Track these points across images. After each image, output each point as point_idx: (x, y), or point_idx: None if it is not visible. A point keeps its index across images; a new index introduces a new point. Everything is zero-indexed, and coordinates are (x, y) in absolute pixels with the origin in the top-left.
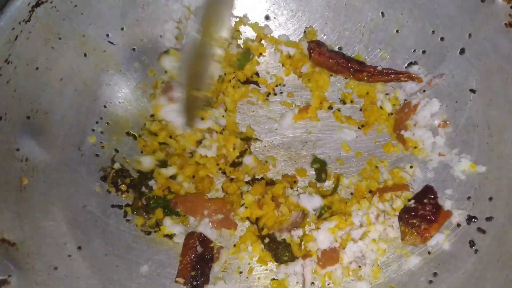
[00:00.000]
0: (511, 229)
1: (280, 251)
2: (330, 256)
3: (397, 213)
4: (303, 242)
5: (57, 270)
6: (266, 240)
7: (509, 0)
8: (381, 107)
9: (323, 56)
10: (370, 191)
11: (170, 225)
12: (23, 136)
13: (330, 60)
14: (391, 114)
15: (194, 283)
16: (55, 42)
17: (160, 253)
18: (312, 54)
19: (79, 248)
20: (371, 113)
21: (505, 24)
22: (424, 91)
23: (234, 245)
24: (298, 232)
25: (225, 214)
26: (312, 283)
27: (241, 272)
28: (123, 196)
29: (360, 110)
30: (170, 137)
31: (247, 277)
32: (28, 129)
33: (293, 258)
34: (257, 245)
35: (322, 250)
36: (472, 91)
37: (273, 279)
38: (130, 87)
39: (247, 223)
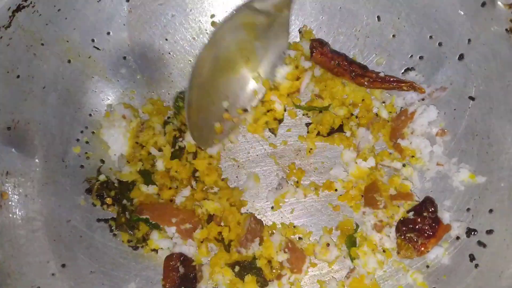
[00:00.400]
0: None
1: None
2: (295, 259)
3: (395, 223)
4: (271, 264)
5: None
6: (237, 269)
7: (510, 5)
8: (376, 114)
9: (324, 56)
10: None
11: (157, 239)
12: (4, 148)
13: (332, 61)
14: (388, 121)
15: None
16: (38, 48)
17: (148, 269)
18: (313, 54)
19: (63, 265)
20: (367, 120)
21: (506, 29)
22: (423, 99)
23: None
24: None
25: (194, 225)
26: None
27: None
28: (109, 209)
29: (356, 117)
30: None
31: None
32: (8, 140)
33: (266, 283)
34: (228, 270)
35: (285, 259)
36: (471, 98)
37: None
38: (116, 94)
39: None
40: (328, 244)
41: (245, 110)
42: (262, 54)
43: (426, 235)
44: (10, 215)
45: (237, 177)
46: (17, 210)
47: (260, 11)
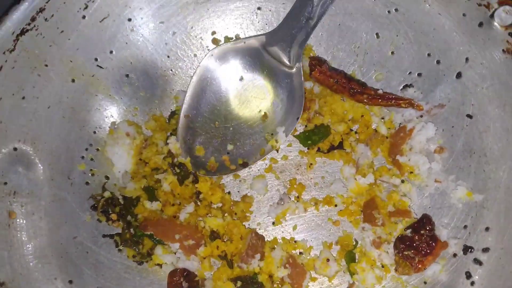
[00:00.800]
0: (508, 262)
1: None
2: (296, 274)
3: (393, 239)
4: (272, 279)
5: None
6: (239, 284)
7: (507, 26)
8: (375, 130)
9: (323, 74)
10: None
11: (161, 254)
12: (11, 168)
13: (331, 79)
14: (386, 137)
15: None
16: (42, 70)
17: (153, 284)
18: (312, 72)
19: (70, 282)
20: (366, 136)
21: (503, 50)
22: (421, 116)
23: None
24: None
25: (197, 241)
26: None
27: None
28: (114, 225)
29: (356, 133)
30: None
31: None
32: (15, 160)
33: None
34: (230, 284)
35: (286, 275)
36: (469, 116)
37: None
38: (120, 111)
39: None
40: (328, 260)
41: (245, 164)
42: (279, 116)
43: (423, 252)
44: (18, 234)
45: (238, 191)
46: (24, 229)
47: (276, 60)
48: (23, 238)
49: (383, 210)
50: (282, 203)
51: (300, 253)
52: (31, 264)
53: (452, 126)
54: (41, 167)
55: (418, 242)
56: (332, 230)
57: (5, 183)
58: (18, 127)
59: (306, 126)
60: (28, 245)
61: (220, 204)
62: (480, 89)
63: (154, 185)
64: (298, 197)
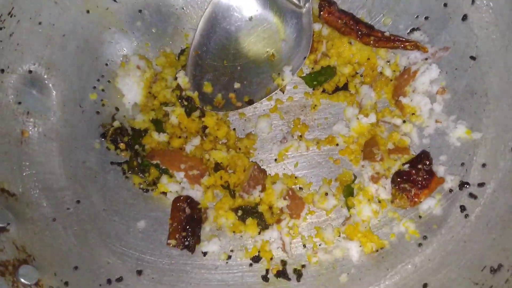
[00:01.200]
0: (502, 195)
1: None
2: (295, 205)
3: (391, 175)
4: (272, 210)
5: (55, 221)
6: (239, 213)
7: None
8: (381, 73)
9: (332, 15)
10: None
11: (166, 183)
12: (25, 90)
13: (339, 20)
14: (391, 80)
15: (186, 243)
16: None
17: (157, 210)
18: (321, 12)
19: (78, 202)
20: (371, 79)
21: None
22: (426, 59)
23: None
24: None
25: (201, 171)
26: (304, 245)
27: (234, 232)
28: (122, 154)
29: (361, 75)
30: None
31: (241, 236)
32: (30, 83)
33: (266, 226)
34: (231, 213)
35: (285, 205)
36: (473, 58)
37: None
38: (132, 46)
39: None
40: (326, 194)
41: (251, 102)
42: (287, 56)
43: (419, 186)
44: (30, 152)
45: (243, 130)
46: (36, 148)
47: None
48: (34, 157)
49: (383, 147)
50: (285, 141)
51: (300, 188)
52: (41, 181)
53: (456, 68)
54: (54, 93)
55: (415, 176)
56: (333, 168)
57: (19, 103)
58: (33, 51)
59: (312, 68)
60: (38, 164)
61: (225, 140)
62: (484, 31)
63: (162, 119)
64: (301, 136)
